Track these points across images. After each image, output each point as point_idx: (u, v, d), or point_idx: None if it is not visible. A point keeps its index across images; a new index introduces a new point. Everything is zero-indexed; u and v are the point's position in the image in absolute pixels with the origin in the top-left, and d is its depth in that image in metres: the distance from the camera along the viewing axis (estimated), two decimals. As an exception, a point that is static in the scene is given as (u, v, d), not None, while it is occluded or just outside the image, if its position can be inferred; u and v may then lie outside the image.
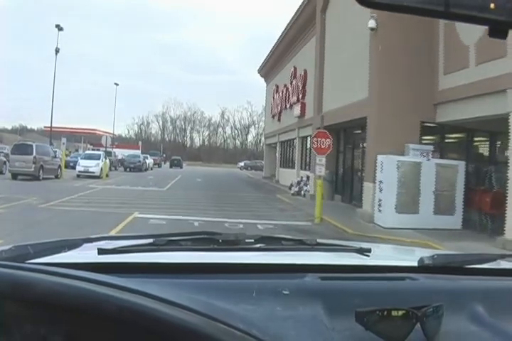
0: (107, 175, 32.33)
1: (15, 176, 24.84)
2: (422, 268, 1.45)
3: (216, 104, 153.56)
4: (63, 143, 30.69)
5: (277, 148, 36.19)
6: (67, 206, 14.79)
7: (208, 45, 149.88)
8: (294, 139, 30.56)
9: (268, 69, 40.71)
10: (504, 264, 1.63)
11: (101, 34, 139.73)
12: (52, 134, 73.63)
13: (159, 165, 63.80)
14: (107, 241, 1.64)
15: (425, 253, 1.73)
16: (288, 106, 31.39)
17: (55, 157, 27.93)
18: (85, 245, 1.49)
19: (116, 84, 68.99)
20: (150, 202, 17.29)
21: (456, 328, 1.18)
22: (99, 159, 30.88)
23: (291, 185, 27.63)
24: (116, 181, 28.50)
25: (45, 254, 1.28)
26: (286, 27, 31.24)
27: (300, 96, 27.69)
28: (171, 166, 65.09)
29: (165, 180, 30.99)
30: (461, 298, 1.29)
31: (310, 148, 27.57)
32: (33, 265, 1.08)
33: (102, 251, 1.33)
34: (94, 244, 1.52)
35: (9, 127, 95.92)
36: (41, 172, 25.31)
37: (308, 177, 24.44)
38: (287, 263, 1.45)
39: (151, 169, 51.49)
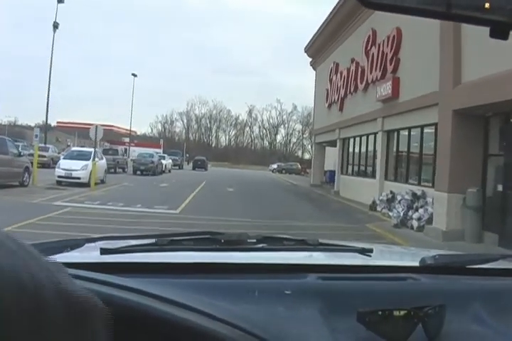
0: (102, 181, 23.20)
1: None
2: (424, 268, 1.43)
3: (243, 102, 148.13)
4: (35, 136, 21.35)
5: (338, 147, 26.41)
6: None
7: (235, 46, 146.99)
8: (372, 134, 20.83)
9: (320, 45, 30.77)
10: (506, 264, 1.59)
11: (127, 34, 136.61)
12: (66, 130, 67.57)
13: (180, 167, 54.61)
14: (109, 241, 1.60)
15: (427, 253, 1.69)
16: (361, 87, 21.72)
17: (21, 155, 18.79)
18: (88, 245, 1.48)
19: (134, 75, 63.19)
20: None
21: (458, 328, 1.18)
22: (88, 159, 21.51)
23: (375, 204, 18.03)
24: (107, 193, 19.16)
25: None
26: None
27: (390, 68, 18.04)
28: (194, 168, 55.63)
29: (182, 191, 21.61)
30: (463, 298, 1.28)
31: (409, 146, 18.02)
32: None
33: (104, 251, 1.32)
34: (97, 243, 1.50)
35: (32, 124, 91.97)
36: (-13, 178, 16.12)
37: (415, 195, 14.82)
38: (289, 263, 1.46)
39: (169, 171, 42.33)
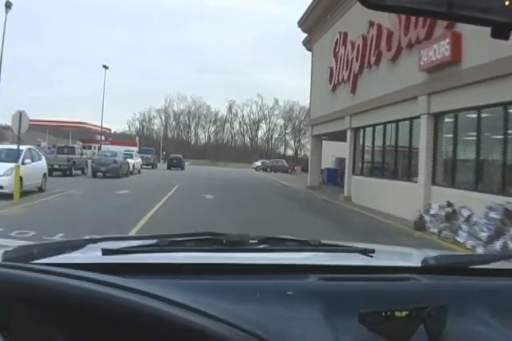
0: (40, 189, 17.33)
1: None
2: (426, 268, 1.41)
3: (223, 97, 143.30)
4: None
5: (348, 139, 20.54)
6: None
7: (215, 44, 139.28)
8: (406, 120, 15.02)
9: (320, 15, 24.71)
10: (508, 265, 1.57)
11: (108, 33, 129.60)
12: (39, 129, 61.94)
13: (153, 166, 48.40)
14: (111, 242, 1.57)
15: (429, 253, 1.65)
16: (388, 55, 15.92)
17: None
18: (89, 246, 1.45)
19: (106, 67, 57.58)
20: None
21: (460, 329, 1.16)
22: (15, 161, 15.31)
23: (422, 220, 12.31)
24: (31, 209, 13.06)
25: (49, 255, 1.24)
26: None
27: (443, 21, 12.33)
28: (169, 167, 49.38)
29: (143, 201, 15.75)
30: (465, 299, 1.26)
31: (478, 135, 12.16)
32: (37, 265, 1.07)
33: (106, 252, 1.30)
34: (99, 244, 1.45)
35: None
36: None
37: (508, 212, 9.09)
38: (291, 263, 1.45)
39: (139, 172, 36.26)
